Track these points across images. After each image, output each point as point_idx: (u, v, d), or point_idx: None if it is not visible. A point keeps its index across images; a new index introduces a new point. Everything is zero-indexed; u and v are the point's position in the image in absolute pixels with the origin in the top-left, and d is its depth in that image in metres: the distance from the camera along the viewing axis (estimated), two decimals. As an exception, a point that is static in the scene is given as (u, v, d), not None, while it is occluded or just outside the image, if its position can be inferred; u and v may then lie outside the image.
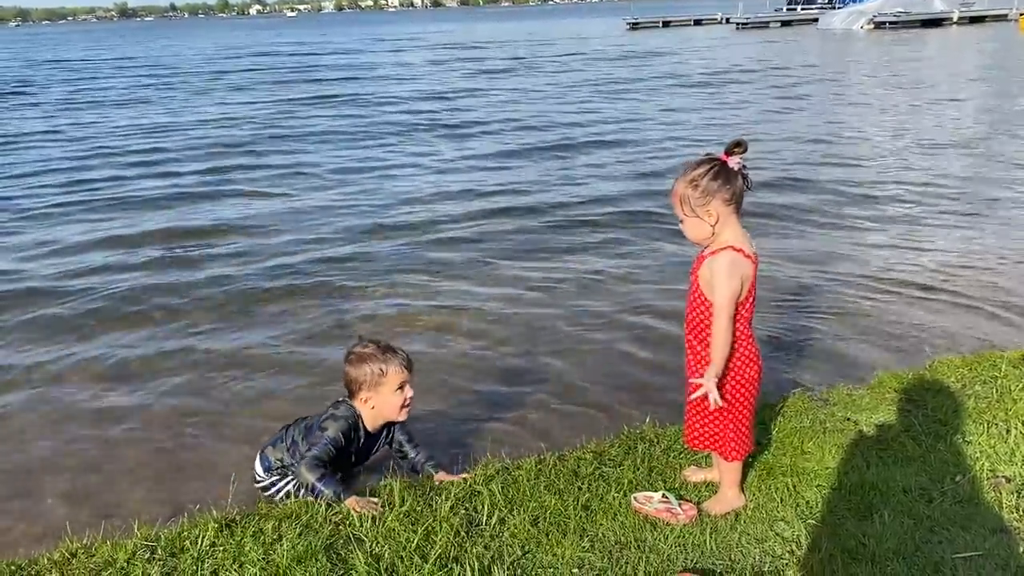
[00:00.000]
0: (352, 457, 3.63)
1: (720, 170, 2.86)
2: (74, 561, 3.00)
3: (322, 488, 3.30)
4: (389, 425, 3.74)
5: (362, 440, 3.62)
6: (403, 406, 3.60)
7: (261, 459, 3.74)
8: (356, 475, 3.75)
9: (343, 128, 16.87)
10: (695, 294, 3.01)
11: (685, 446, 3.37)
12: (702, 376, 2.94)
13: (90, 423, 4.74)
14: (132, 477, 4.16)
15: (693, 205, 2.88)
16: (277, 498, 3.59)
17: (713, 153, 2.94)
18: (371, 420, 3.62)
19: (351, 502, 3.21)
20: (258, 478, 3.72)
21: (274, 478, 3.67)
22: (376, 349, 3.56)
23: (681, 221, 2.96)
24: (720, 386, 2.94)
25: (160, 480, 4.12)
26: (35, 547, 3.39)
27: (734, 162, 2.87)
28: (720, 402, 2.90)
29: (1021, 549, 2.79)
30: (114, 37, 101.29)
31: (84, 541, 3.13)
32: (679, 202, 2.91)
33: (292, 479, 3.57)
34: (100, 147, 15.37)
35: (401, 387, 3.57)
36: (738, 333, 2.98)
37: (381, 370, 3.52)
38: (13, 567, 2.98)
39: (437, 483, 3.47)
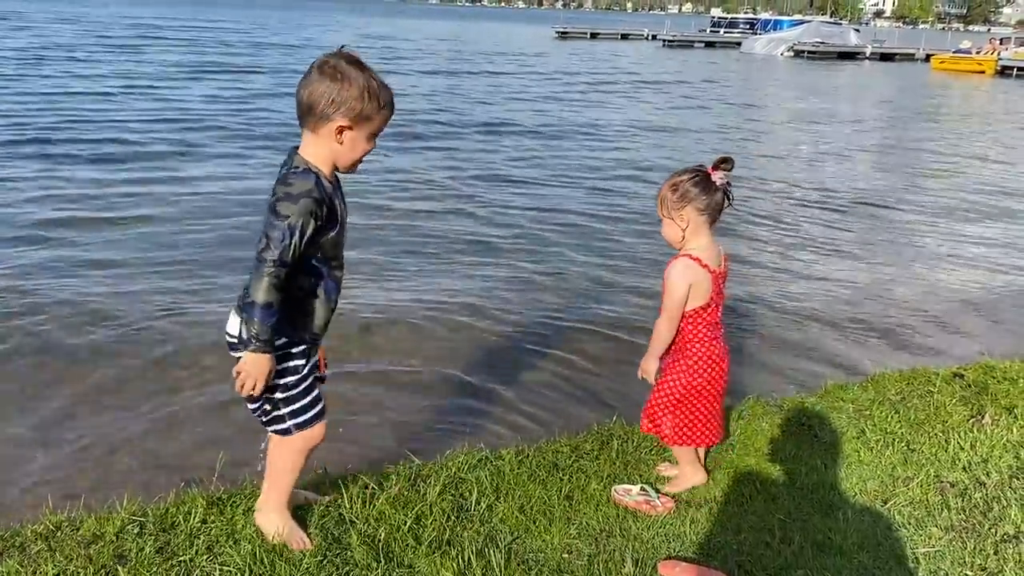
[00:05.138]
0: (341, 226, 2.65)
1: (701, 180, 3.06)
2: (59, 533, 2.94)
3: (257, 319, 2.45)
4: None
5: (331, 198, 2.57)
6: (359, 161, 2.65)
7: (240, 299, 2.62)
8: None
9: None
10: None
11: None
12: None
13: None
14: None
15: (669, 207, 3.11)
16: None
17: (704, 164, 3.14)
18: (328, 168, 2.58)
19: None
20: (229, 336, 2.68)
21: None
22: (365, 72, 2.51)
23: (660, 221, 3.19)
24: (667, 380, 3.27)
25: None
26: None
27: (717, 176, 3.07)
28: (652, 381, 3.25)
29: (971, 546, 3.05)
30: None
31: (67, 514, 3.09)
32: (660, 203, 3.15)
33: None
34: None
35: (376, 135, 2.63)
36: (695, 337, 3.20)
37: (380, 101, 2.53)
38: (-4, 537, 2.92)
39: None
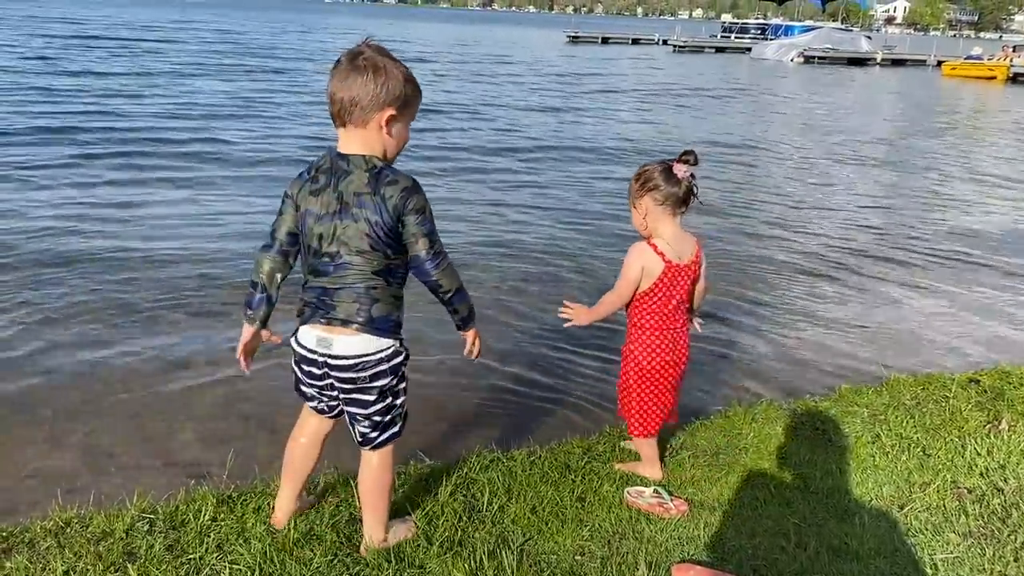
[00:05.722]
0: None
1: (662, 172, 3.16)
2: (68, 530, 2.93)
3: (466, 301, 2.72)
4: None
5: None
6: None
7: (361, 315, 2.53)
8: None
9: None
10: None
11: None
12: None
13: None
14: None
15: (631, 196, 3.25)
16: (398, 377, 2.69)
17: (670, 158, 3.22)
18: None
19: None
20: (367, 355, 2.57)
21: (394, 341, 2.64)
22: (396, 59, 2.51)
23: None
24: (623, 368, 3.42)
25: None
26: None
27: (679, 168, 3.14)
28: (571, 321, 3.34)
29: (990, 553, 3.01)
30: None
31: (76, 510, 3.08)
32: (628, 192, 3.28)
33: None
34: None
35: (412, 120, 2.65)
36: (646, 324, 3.30)
37: (417, 85, 2.55)
38: (4, 533, 2.91)
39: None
